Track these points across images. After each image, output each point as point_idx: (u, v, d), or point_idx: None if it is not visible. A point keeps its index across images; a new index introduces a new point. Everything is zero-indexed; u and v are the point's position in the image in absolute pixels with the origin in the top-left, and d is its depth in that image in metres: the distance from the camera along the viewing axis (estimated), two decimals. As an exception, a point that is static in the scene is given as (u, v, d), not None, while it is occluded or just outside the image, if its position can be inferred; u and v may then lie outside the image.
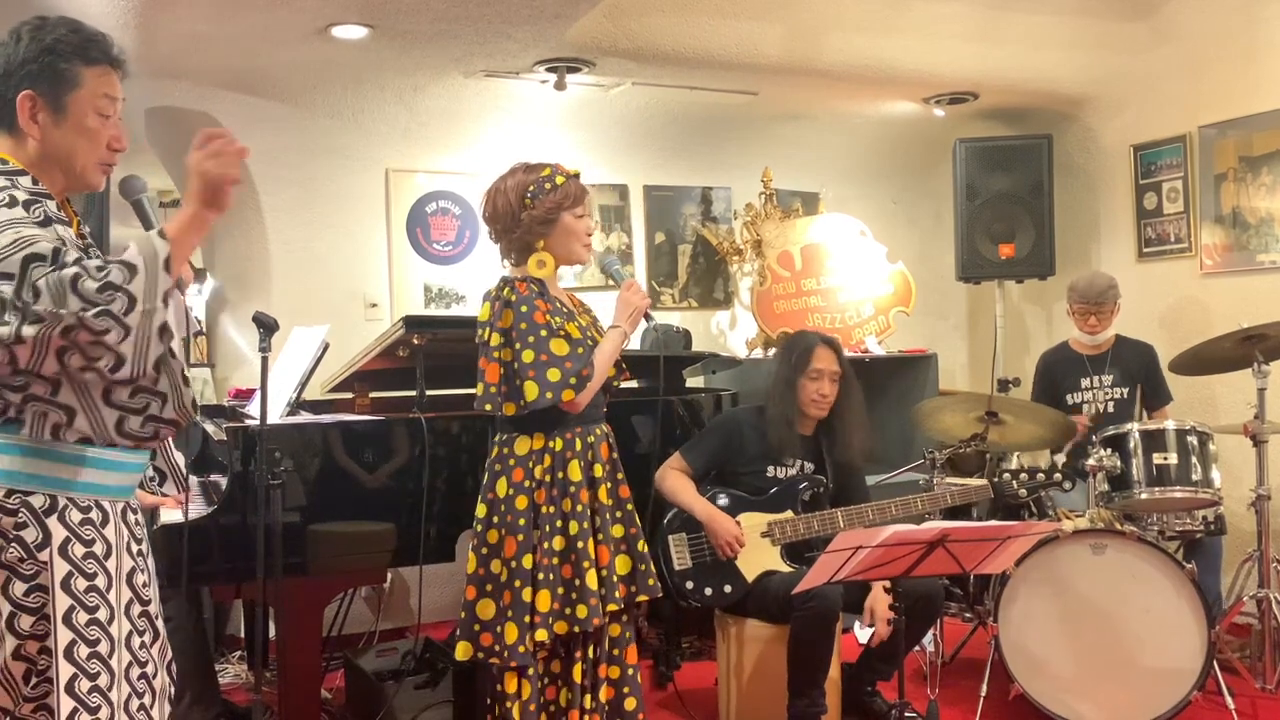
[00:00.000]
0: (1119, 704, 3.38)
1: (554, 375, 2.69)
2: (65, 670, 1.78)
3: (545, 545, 2.74)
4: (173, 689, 2.02)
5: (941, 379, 5.55)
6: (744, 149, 5.69)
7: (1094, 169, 5.56)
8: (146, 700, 1.90)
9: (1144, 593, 3.40)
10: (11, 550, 1.78)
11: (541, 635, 2.70)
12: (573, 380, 2.70)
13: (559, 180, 2.83)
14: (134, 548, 1.94)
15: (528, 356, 2.69)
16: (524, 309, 2.73)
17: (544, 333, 2.71)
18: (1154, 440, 3.76)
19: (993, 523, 3.40)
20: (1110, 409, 4.44)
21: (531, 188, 2.81)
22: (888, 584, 3.00)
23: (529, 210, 2.81)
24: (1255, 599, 3.85)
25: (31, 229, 1.77)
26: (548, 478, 2.77)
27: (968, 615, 4.26)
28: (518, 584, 2.72)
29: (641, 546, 2.89)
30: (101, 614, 1.82)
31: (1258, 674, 3.83)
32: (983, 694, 3.56)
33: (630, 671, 2.88)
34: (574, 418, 2.80)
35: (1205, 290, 4.96)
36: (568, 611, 2.73)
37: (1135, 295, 5.19)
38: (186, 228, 1.85)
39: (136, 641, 1.89)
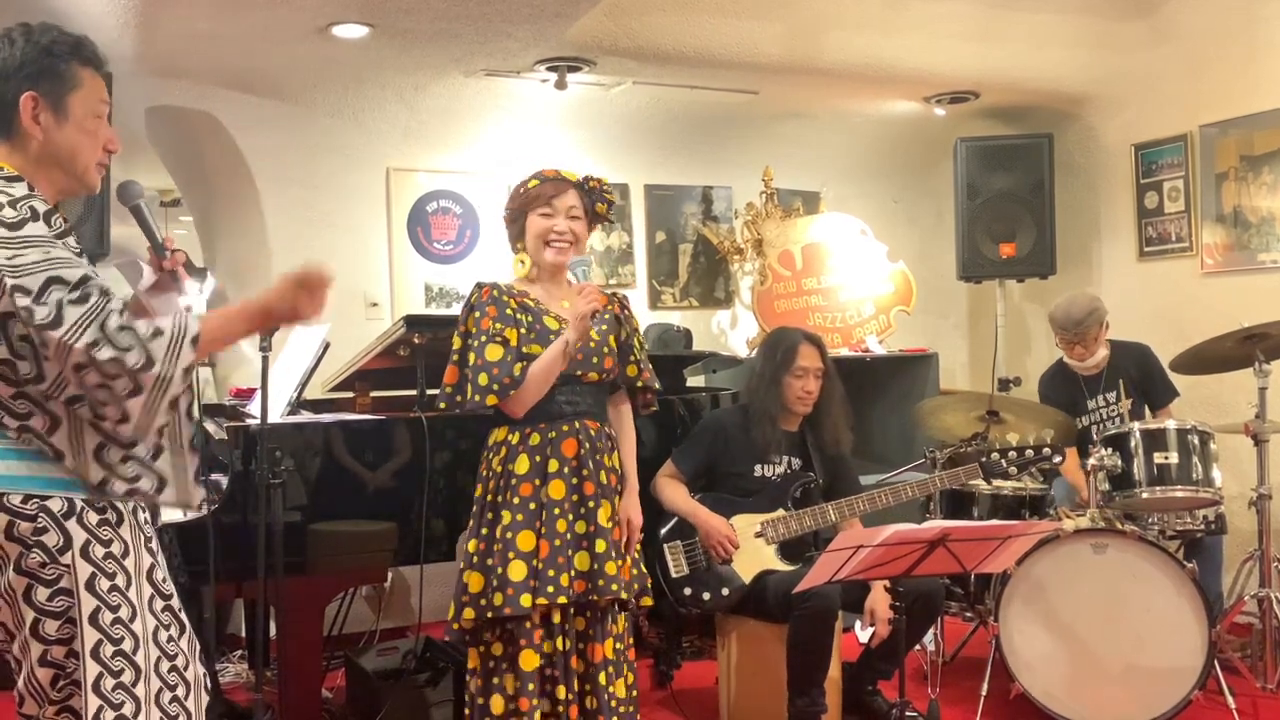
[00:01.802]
0: (1120, 703, 3.38)
1: (483, 380, 2.79)
2: (91, 670, 1.81)
3: (484, 532, 2.84)
4: (208, 680, 2.05)
5: (942, 378, 5.55)
6: (744, 148, 5.68)
7: (1095, 168, 5.56)
8: (180, 692, 1.93)
9: (1145, 592, 3.40)
10: (33, 556, 1.80)
11: (469, 615, 2.79)
12: (495, 387, 2.79)
13: (532, 184, 2.94)
14: (149, 545, 1.95)
15: (471, 359, 2.83)
16: (476, 314, 2.86)
17: (484, 338, 2.82)
18: (1155, 439, 3.76)
19: (993, 522, 3.41)
20: (1119, 424, 4.38)
21: (514, 191, 2.98)
22: (888, 583, 3.01)
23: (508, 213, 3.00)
24: (1256, 598, 3.85)
25: (63, 251, 1.79)
26: (500, 469, 2.86)
27: (968, 614, 4.25)
28: (461, 566, 2.87)
29: (600, 546, 2.85)
30: (124, 612, 1.85)
31: (1259, 673, 3.83)
32: (983, 693, 3.56)
33: (591, 670, 2.85)
34: (537, 413, 2.85)
35: (1206, 290, 4.95)
36: (492, 597, 2.78)
37: (1136, 295, 5.20)
38: (237, 320, 1.95)
39: (164, 636, 1.92)
